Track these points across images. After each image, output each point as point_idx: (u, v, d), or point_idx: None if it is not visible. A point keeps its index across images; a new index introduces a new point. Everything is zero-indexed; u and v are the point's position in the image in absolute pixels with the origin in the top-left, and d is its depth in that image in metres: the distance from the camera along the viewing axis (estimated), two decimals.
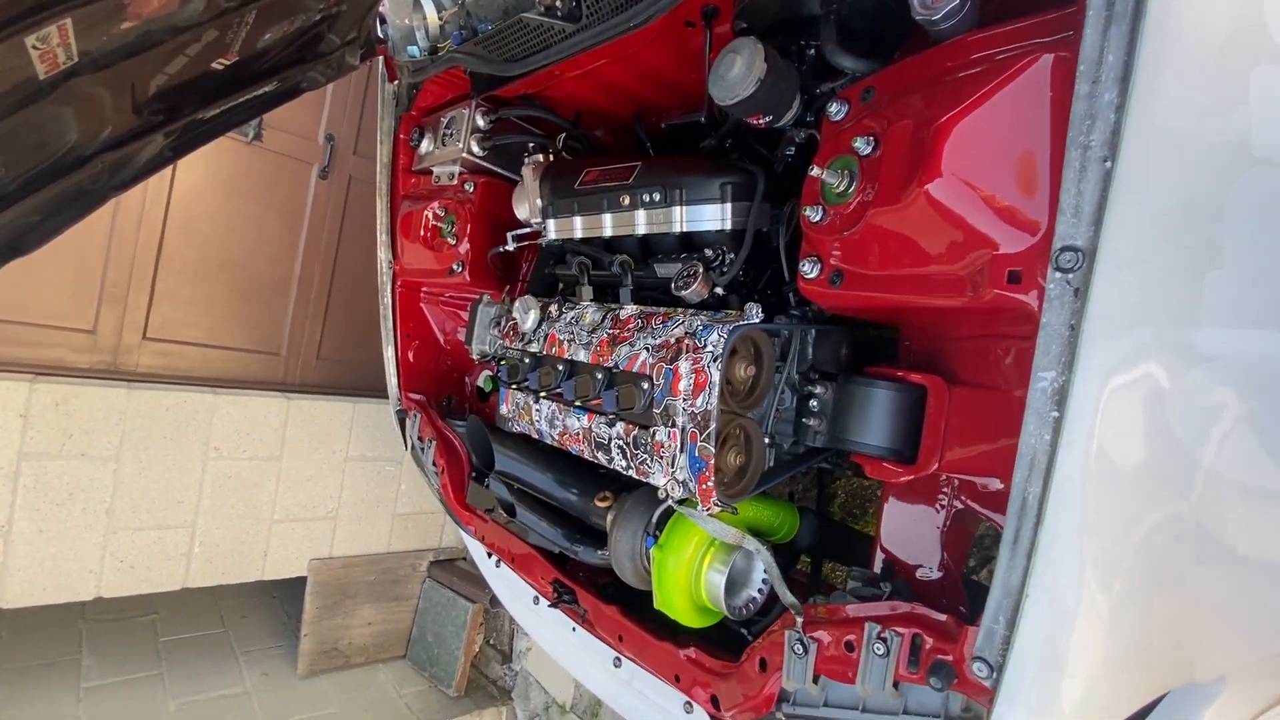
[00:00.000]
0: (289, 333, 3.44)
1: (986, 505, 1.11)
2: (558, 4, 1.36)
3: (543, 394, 1.46)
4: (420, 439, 2.29)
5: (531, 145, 1.96)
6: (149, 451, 2.81)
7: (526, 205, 1.79)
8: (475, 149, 2.06)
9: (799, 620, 1.07)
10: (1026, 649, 0.79)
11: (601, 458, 1.33)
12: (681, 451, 1.14)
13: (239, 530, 3.09)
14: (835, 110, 1.08)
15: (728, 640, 1.34)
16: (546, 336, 1.49)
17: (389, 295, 2.40)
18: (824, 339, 1.26)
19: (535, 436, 1.60)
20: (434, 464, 2.21)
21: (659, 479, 1.19)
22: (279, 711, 3.16)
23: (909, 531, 1.17)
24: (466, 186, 2.13)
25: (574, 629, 1.77)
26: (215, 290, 3.18)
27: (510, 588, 2.07)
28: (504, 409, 1.67)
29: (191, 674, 3.20)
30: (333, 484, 3.34)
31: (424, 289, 2.43)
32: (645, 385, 1.20)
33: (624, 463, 1.26)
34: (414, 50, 2.02)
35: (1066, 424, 0.73)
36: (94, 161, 1.52)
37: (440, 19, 1.76)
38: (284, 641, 3.66)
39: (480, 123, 2.06)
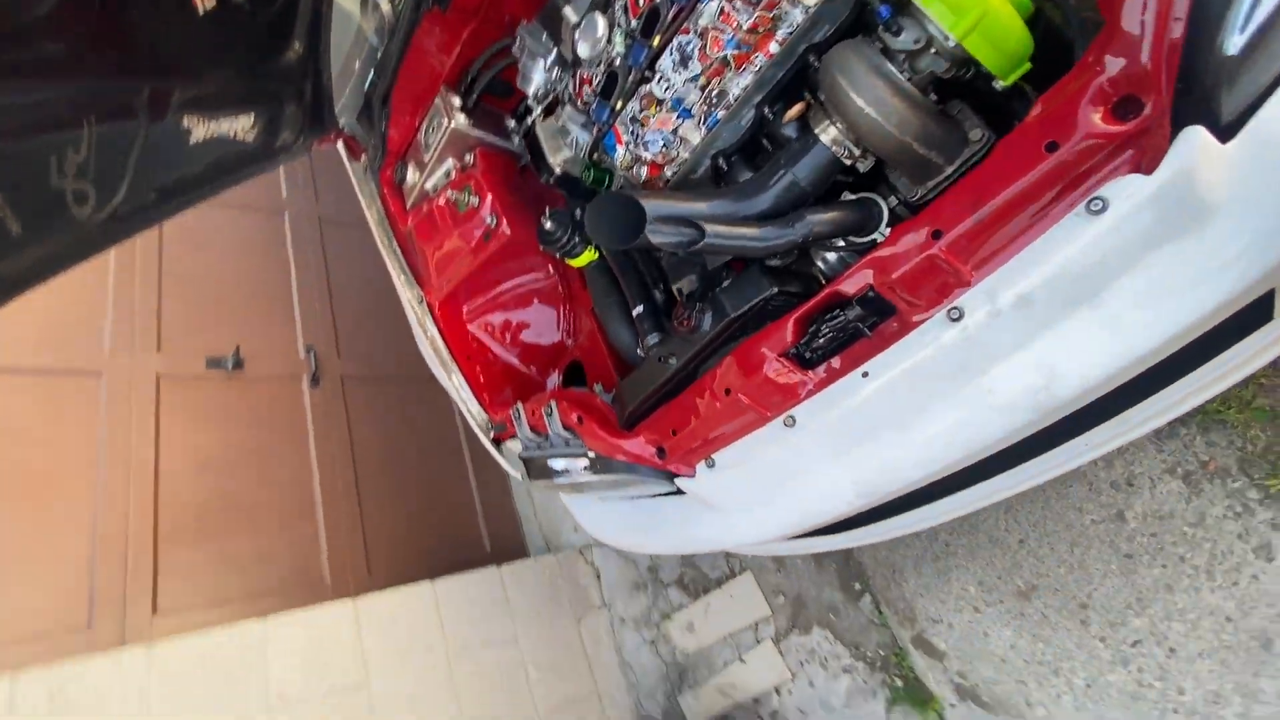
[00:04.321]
0: (328, 559, 2.82)
1: None
2: None
3: (657, 39, 1.21)
4: (535, 433, 1.78)
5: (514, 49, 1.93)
6: None
7: (539, 59, 1.70)
8: (462, 121, 2.02)
9: None
10: None
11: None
12: None
13: None
14: None
15: None
16: (629, 8, 1.29)
17: (431, 327, 2.08)
18: None
19: (673, 111, 1.27)
20: (564, 429, 1.68)
21: None
22: None
23: None
24: (466, 158, 2.05)
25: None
26: (229, 544, 2.63)
27: (738, 473, 1.42)
28: (620, 152, 1.35)
29: None
30: (444, 697, 2.41)
31: (465, 307, 2.13)
32: None
33: None
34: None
35: None
36: (81, 127, 1.33)
37: None
38: None
39: (455, 100, 2.07)
